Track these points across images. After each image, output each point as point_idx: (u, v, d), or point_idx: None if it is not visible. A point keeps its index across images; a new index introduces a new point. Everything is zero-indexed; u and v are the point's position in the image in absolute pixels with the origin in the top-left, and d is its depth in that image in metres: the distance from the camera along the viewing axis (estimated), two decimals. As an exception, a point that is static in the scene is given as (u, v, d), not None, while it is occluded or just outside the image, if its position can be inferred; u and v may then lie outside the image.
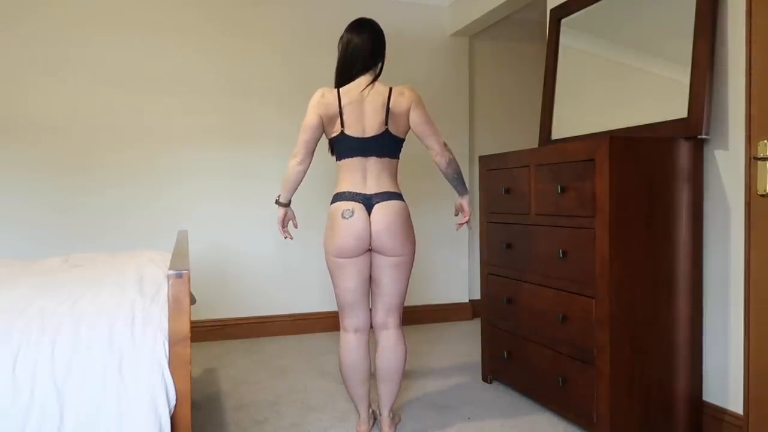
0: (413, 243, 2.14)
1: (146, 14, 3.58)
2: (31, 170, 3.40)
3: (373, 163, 2.09)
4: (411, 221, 2.13)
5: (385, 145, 2.10)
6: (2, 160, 3.35)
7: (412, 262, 2.16)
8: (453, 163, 2.21)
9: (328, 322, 3.95)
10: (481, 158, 2.83)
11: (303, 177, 2.20)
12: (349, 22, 2.19)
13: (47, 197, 3.43)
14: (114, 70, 3.53)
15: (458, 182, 2.25)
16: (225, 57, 3.73)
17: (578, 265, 2.17)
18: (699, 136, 2.09)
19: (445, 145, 2.18)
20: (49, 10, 3.41)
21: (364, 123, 2.08)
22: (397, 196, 2.10)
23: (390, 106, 2.09)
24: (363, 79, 2.12)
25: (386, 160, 2.11)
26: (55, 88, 3.43)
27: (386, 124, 2.09)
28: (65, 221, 3.46)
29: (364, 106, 2.08)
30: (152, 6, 3.59)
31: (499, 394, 2.68)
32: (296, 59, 3.87)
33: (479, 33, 4.32)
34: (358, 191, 2.07)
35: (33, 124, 3.40)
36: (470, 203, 2.30)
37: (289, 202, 2.26)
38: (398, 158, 2.15)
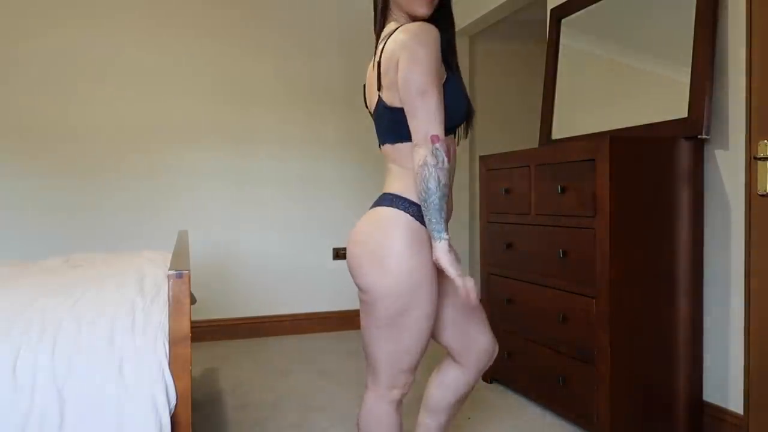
0: (381, 275, 1.29)
1: (148, 17, 3.59)
2: (30, 171, 3.40)
3: (384, 154, 1.43)
4: (387, 241, 1.30)
5: (382, 122, 1.38)
6: (2, 160, 3.36)
7: (380, 303, 1.31)
8: (422, 171, 1.24)
9: (329, 323, 3.95)
10: (481, 158, 2.83)
11: None
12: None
13: (47, 198, 3.43)
14: (114, 72, 3.53)
15: (427, 210, 1.24)
16: (225, 59, 3.73)
17: (578, 265, 2.17)
18: (699, 136, 2.09)
19: (432, 139, 1.23)
20: (47, 11, 3.41)
21: (368, 91, 1.46)
22: (385, 200, 1.36)
23: (381, 57, 1.33)
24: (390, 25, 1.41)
25: (387, 146, 1.39)
26: (54, 90, 3.43)
27: (379, 88, 1.35)
28: (65, 221, 3.46)
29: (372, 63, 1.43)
30: (153, 10, 3.60)
31: (499, 394, 2.69)
32: (296, 62, 3.87)
33: (479, 33, 4.32)
34: None
35: (32, 125, 3.40)
36: (455, 264, 1.23)
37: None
38: (405, 141, 1.34)
